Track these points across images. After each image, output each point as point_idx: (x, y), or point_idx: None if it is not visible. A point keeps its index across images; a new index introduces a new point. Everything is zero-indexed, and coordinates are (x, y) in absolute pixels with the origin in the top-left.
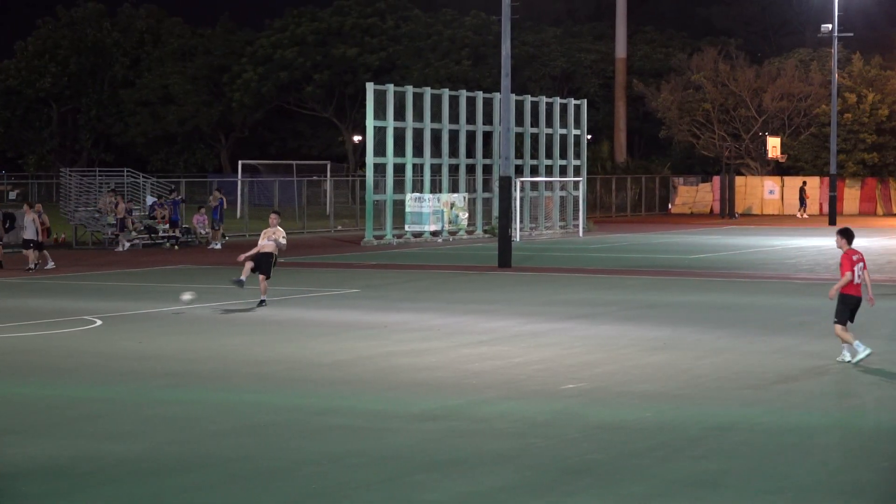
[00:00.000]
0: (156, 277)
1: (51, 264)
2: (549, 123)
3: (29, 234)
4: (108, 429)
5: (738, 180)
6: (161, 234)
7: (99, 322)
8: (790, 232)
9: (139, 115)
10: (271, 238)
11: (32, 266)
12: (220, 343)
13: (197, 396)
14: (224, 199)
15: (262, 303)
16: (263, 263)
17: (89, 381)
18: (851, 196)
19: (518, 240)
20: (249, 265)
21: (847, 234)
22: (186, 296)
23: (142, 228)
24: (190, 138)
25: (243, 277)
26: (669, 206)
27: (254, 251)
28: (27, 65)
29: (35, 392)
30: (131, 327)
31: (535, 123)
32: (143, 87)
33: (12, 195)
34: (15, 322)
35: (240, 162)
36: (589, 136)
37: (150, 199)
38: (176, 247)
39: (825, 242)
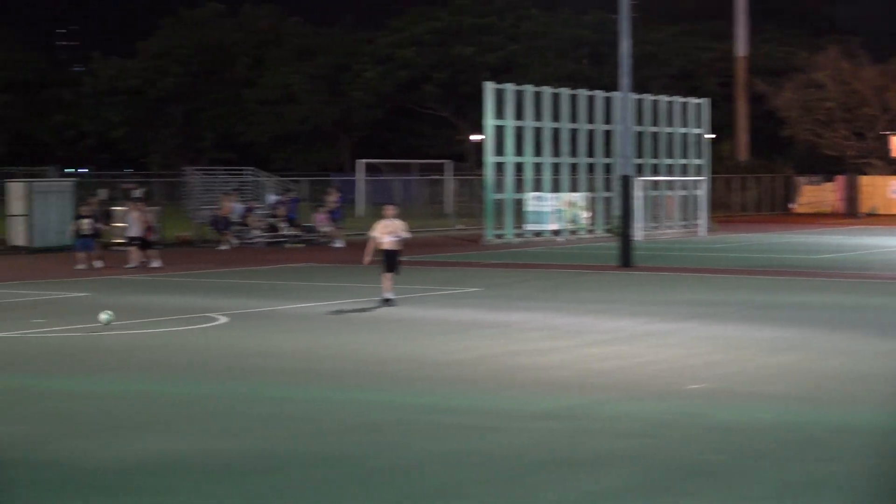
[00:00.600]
0: (279, 275)
1: (155, 263)
2: (670, 122)
3: (133, 231)
4: (231, 425)
5: (863, 180)
6: (283, 232)
7: (224, 319)
8: None
9: (260, 115)
10: (390, 232)
11: (136, 264)
12: (341, 341)
13: (317, 394)
14: (341, 198)
15: (387, 301)
16: (392, 261)
17: (213, 378)
18: None
19: (639, 239)
20: (388, 282)
21: None
22: (104, 315)
23: (265, 227)
24: (311, 137)
25: (390, 296)
26: (792, 205)
27: (371, 246)
28: (150, 65)
29: (160, 388)
30: (256, 324)
31: (655, 122)
32: (264, 86)
33: (137, 193)
34: (139, 319)
35: (359, 161)
36: (712, 136)
37: (272, 198)
38: (299, 245)
39: None
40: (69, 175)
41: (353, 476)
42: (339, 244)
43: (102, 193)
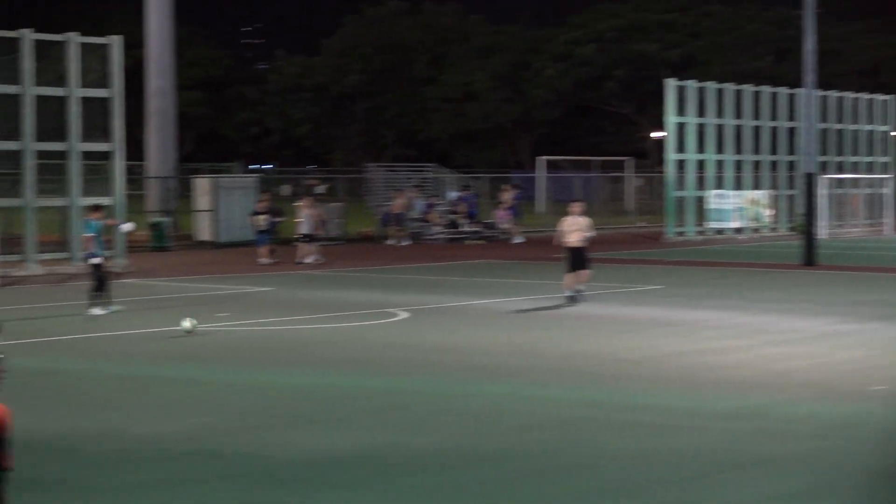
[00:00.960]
0: (459, 272)
1: (314, 258)
2: (855, 119)
3: (306, 227)
4: (411, 420)
5: None
6: (463, 228)
7: (404, 315)
8: None
9: (441, 112)
10: (577, 229)
11: (309, 259)
12: (523, 338)
13: (500, 390)
14: (518, 195)
15: (571, 298)
16: (578, 259)
17: (393, 373)
18: None
19: (823, 237)
20: (571, 280)
21: None
22: (186, 323)
23: (445, 223)
24: (491, 135)
25: (573, 293)
26: None
27: (560, 242)
28: (333, 63)
29: (342, 382)
30: (436, 320)
31: (839, 119)
32: (444, 84)
33: (320, 189)
34: (321, 314)
35: (539, 158)
36: None
37: (452, 195)
38: (479, 241)
39: None
40: (253, 171)
41: (536, 472)
42: (518, 240)
43: (286, 189)
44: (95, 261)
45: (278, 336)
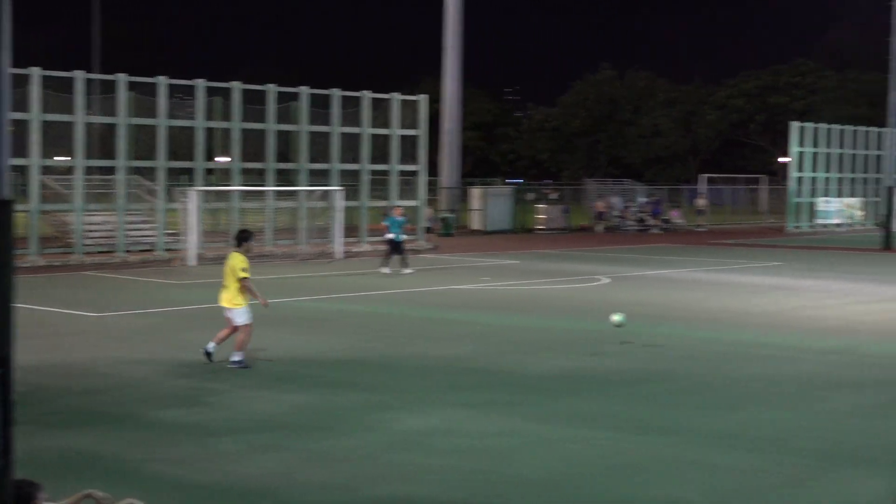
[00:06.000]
0: (645, 252)
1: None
2: None
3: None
4: (599, 350)
5: None
6: (648, 223)
7: (606, 280)
8: None
9: (637, 144)
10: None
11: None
12: (685, 296)
13: (671, 331)
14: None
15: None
16: None
17: (594, 318)
18: None
19: None
20: None
21: None
22: (616, 317)
23: (636, 219)
24: (670, 160)
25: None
26: None
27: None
28: (565, 112)
29: (557, 324)
30: (630, 284)
31: None
32: (640, 125)
33: (553, 196)
34: (544, 279)
35: (701, 175)
36: None
37: (642, 199)
38: (660, 232)
39: None
40: (509, 184)
41: (685, 389)
42: (701, 228)
43: (530, 196)
44: (389, 236)
45: (521, 292)
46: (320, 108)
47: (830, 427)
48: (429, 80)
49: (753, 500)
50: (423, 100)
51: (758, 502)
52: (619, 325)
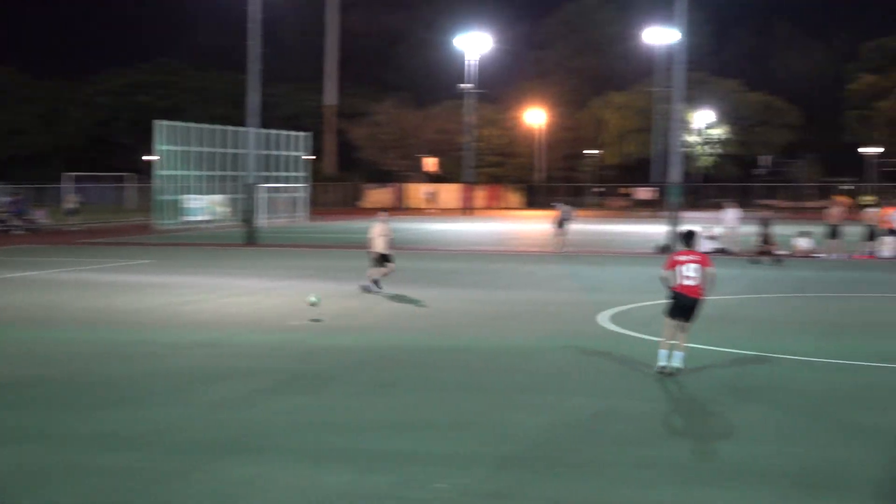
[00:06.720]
0: (9, 253)
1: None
2: (278, 147)
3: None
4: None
5: (407, 186)
6: (10, 224)
7: None
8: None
9: None
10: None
11: None
12: (53, 299)
13: (66, 336)
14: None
15: None
16: None
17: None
18: (482, 196)
19: (262, 225)
20: None
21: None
22: (312, 297)
23: None
24: (34, 157)
25: None
26: (359, 203)
27: None
28: None
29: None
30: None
31: (269, 148)
32: None
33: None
34: None
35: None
36: (312, 157)
37: (4, 199)
38: (23, 232)
39: (455, 227)
40: None
41: (61, 393)
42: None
43: None
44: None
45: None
46: None
47: (205, 419)
48: None
49: (132, 499)
50: None
51: (135, 500)
52: (313, 304)
